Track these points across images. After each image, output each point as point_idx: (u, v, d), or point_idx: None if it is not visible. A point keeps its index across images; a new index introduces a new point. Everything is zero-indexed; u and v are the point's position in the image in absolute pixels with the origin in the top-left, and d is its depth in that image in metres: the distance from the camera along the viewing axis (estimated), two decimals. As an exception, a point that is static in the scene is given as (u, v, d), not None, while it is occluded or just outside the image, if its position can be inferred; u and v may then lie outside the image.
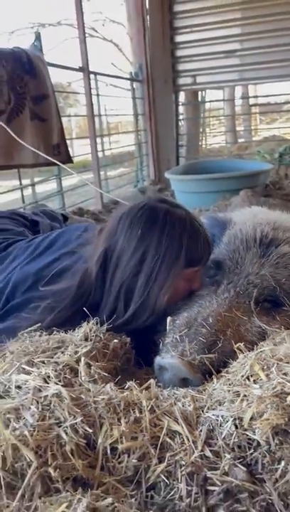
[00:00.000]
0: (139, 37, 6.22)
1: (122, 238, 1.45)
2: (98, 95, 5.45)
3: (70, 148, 4.20)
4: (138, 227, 1.43)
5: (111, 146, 6.33)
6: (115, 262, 1.45)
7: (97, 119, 5.45)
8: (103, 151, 5.76)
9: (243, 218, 1.69)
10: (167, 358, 1.15)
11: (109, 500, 0.81)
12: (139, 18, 6.17)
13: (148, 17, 6.22)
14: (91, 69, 4.92)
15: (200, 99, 8.65)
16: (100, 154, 5.44)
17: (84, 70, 4.63)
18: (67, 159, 4.07)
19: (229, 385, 1.04)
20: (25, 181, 4.19)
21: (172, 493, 0.87)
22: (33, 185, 4.25)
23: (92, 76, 5.07)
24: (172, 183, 5.33)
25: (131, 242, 1.43)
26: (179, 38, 6.56)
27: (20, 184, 4.02)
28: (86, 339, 1.25)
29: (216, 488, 0.86)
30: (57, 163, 3.55)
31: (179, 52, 6.66)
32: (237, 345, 1.18)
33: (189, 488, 0.86)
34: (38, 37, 3.87)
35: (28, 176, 4.32)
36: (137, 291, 1.41)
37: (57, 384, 1.01)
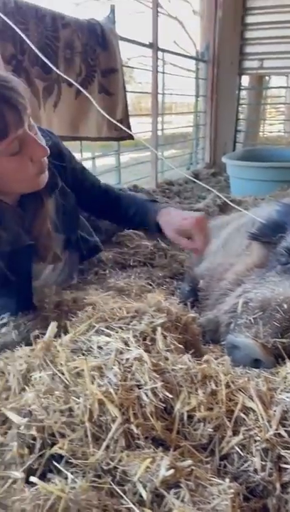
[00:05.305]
0: (210, 15, 6.06)
1: None
2: (163, 73, 5.38)
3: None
4: None
5: (164, 126, 6.23)
6: None
7: (160, 98, 5.41)
8: (163, 130, 5.73)
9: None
10: (241, 338, 1.17)
11: (189, 461, 0.85)
12: (212, -4, 6.01)
13: (220, -5, 6.05)
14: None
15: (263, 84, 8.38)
16: (159, 133, 5.41)
17: (154, 46, 4.59)
18: (128, 136, 4.08)
19: (305, 370, 1.04)
20: (86, 154, 4.25)
21: (245, 465, 0.90)
22: (93, 158, 4.30)
23: (159, 53, 5.01)
24: (228, 168, 5.25)
25: None
26: (250, 19, 6.35)
27: (81, 157, 4.08)
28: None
29: (289, 467, 0.89)
30: (128, 130, 3.54)
31: (248, 34, 6.46)
32: (311, 333, 1.17)
33: (263, 463, 0.89)
34: (112, 10, 3.85)
35: (89, 149, 4.37)
36: None
37: (138, 348, 1.04)
